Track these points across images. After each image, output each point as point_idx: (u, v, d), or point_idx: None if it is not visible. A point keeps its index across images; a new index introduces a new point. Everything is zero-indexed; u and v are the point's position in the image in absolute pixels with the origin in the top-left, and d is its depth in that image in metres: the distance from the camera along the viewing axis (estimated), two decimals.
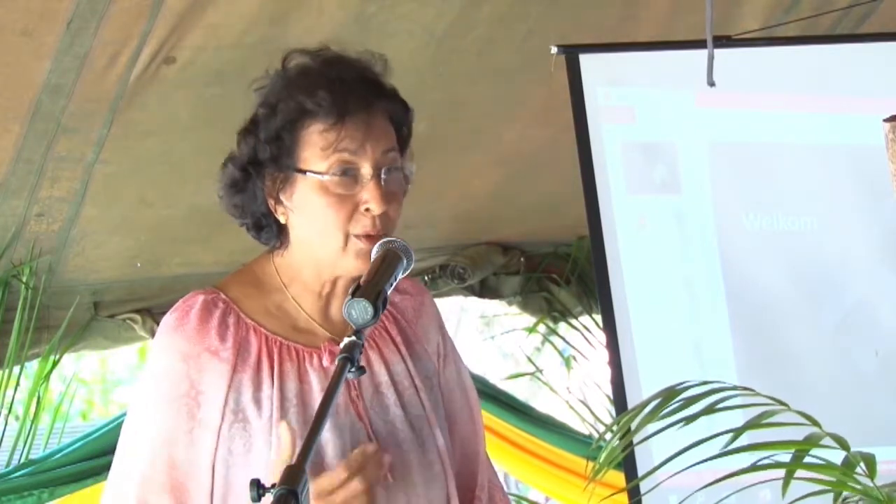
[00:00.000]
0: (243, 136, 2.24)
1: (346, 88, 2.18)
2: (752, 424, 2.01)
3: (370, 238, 2.18)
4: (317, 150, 2.18)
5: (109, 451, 2.36)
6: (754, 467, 1.99)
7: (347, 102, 2.17)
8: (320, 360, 2.23)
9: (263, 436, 2.17)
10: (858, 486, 1.96)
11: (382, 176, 2.19)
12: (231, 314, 2.23)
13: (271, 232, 2.26)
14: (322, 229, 2.19)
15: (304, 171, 2.19)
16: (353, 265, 2.20)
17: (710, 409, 2.03)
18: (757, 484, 2.01)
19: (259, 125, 2.22)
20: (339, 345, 2.21)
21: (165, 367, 2.21)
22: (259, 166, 2.21)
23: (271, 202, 2.23)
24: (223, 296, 2.25)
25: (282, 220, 2.24)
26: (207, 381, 2.19)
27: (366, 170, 2.18)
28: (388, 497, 2.20)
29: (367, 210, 2.18)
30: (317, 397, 2.20)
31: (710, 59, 3.71)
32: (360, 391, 2.24)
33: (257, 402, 2.19)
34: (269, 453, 2.15)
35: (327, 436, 2.17)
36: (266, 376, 2.20)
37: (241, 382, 2.19)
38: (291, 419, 2.18)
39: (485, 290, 5.23)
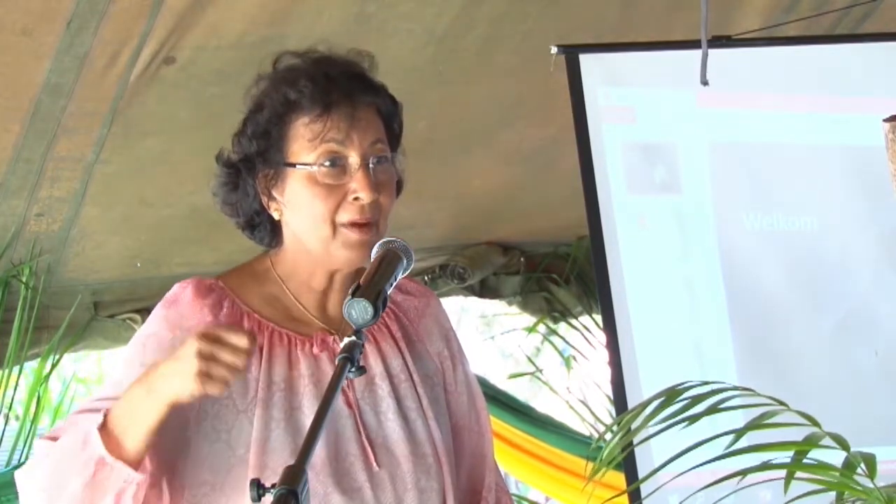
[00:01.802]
0: (236, 138, 2.26)
1: (330, 81, 2.20)
2: (753, 425, 2.01)
3: (359, 227, 2.19)
4: (304, 142, 2.20)
5: None
6: (754, 468, 1.99)
7: (331, 93, 2.19)
8: (311, 347, 2.24)
9: (247, 414, 2.18)
10: (859, 487, 1.96)
11: (371, 165, 2.20)
12: (226, 299, 2.26)
13: (264, 230, 2.27)
14: (311, 220, 2.20)
15: (293, 165, 2.20)
16: (342, 255, 2.21)
17: (710, 410, 2.03)
18: (757, 484, 2.01)
19: (248, 123, 2.24)
20: (332, 335, 2.24)
21: (152, 333, 2.23)
22: (249, 163, 2.23)
23: (264, 199, 2.24)
24: (220, 283, 2.28)
25: (275, 216, 2.25)
26: None
27: (353, 159, 2.20)
28: (373, 485, 2.20)
29: (356, 199, 2.19)
30: (305, 383, 2.21)
31: (704, 57, 3.71)
32: (351, 382, 2.25)
33: (244, 382, 2.19)
34: (252, 433, 2.16)
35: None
36: (255, 359, 2.21)
37: None
38: (277, 401, 2.19)
39: (485, 290, 5.24)
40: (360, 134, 2.20)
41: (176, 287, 2.27)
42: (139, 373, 2.15)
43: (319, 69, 2.21)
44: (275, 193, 2.23)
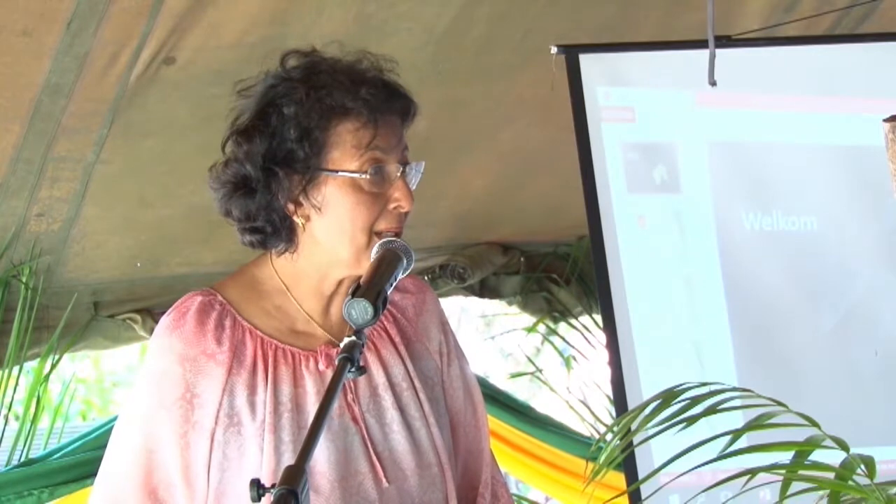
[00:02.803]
0: (247, 137, 2.20)
1: (380, 88, 2.20)
2: (753, 426, 2.01)
3: (394, 237, 2.19)
4: (348, 148, 2.18)
5: None
6: (761, 469, 1.99)
7: (384, 101, 2.20)
8: (316, 363, 2.23)
9: (256, 440, 2.17)
10: (858, 488, 1.96)
11: (407, 173, 2.21)
12: (228, 316, 2.23)
13: (280, 236, 2.23)
14: (349, 228, 2.18)
15: (335, 171, 2.18)
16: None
17: (710, 411, 2.03)
18: (757, 487, 2.01)
19: (275, 124, 2.18)
20: (336, 347, 2.22)
21: (162, 370, 2.21)
22: (287, 167, 2.18)
23: (291, 205, 2.19)
24: (220, 297, 2.25)
25: (300, 222, 2.21)
26: (203, 384, 2.19)
27: (393, 167, 2.20)
28: (382, 502, 2.20)
29: (396, 207, 2.19)
30: (312, 401, 2.19)
31: (712, 57, 3.71)
32: (356, 395, 2.24)
33: (252, 405, 2.19)
34: (262, 458, 2.15)
35: (320, 441, 2.14)
36: (261, 380, 2.20)
37: (235, 386, 2.19)
38: (285, 423, 2.18)
39: (485, 290, 5.23)
40: (399, 142, 2.22)
41: (175, 312, 2.24)
42: (161, 415, 2.18)
43: (368, 73, 2.21)
44: (308, 198, 2.19)
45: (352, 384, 2.22)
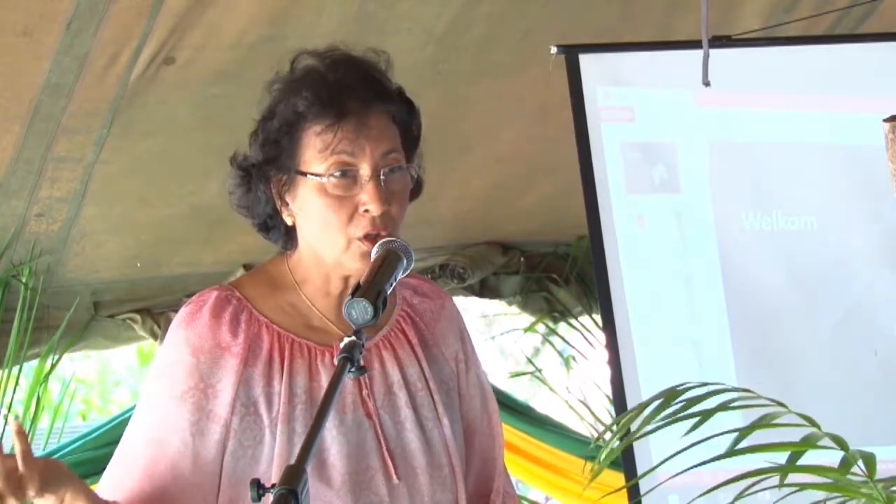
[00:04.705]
0: (252, 138, 2.25)
1: (342, 89, 2.18)
2: (753, 426, 2.01)
3: (371, 239, 2.18)
4: (315, 151, 2.18)
5: (110, 450, 2.36)
6: (764, 471, 1.99)
7: (343, 103, 2.17)
8: (332, 358, 2.22)
9: (271, 430, 2.18)
10: (858, 487, 1.96)
11: (382, 177, 2.18)
12: (244, 311, 2.24)
13: (279, 233, 2.26)
14: (323, 231, 2.19)
15: (304, 174, 2.19)
16: (356, 266, 2.19)
17: (710, 413, 2.03)
18: (757, 482, 2.01)
19: (260, 130, 2.23)
20: None
21: (174, 360, 2.22)
22: (259, 168, 2.22)
23: (278, 203, 2.23)
24: (237, 293, 2.26)
25: (289, 221, 2.24)
26: (217, 375, 2.19)
27: (364, 170, 2.18)
28: (392, 499, 2.20)
29: (367, 211, 2.17)
30: None
31: (706, 58, 3.71)
32: (371, 391, 2.25)
33: (268, 396, 2.20)
34: (275, 448, 2.16)
35: (333, 435, 2.18)
36: (276, 371, 2.21)
37: (251, 377, 2.20)
38: (299, 415, 2.19)
39: (485, 290, 5.24)
40: (372, 144, 2.18)
41: (192, 305, 2.25)
42: (171, 405, 2.18)
43: (333, 75, 2.19)
44: (287, 199, 2.22)
45: (366, 380, 2.23)
